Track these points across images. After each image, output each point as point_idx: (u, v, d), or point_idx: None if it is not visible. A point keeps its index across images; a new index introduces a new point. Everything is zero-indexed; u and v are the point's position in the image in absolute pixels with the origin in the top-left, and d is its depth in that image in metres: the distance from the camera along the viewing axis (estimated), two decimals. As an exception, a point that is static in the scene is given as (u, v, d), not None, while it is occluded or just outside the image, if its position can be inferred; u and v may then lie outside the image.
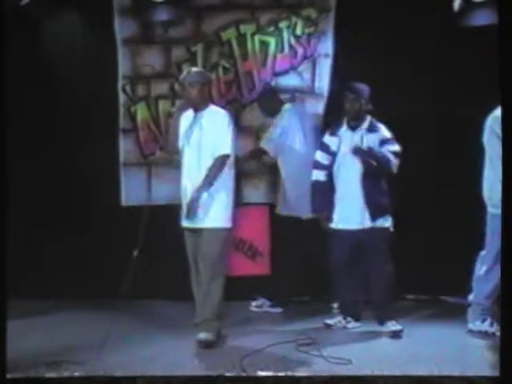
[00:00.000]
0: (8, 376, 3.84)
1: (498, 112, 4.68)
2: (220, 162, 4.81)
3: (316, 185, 5.28)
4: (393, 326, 5.08)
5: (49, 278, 5.99)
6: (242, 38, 6.26)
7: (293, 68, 6.23)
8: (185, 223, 4.92)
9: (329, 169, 5.23)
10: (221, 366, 4.35)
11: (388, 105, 5.79)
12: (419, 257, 5.88)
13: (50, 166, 6.13)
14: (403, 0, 5.85)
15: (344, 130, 5.22)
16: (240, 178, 6.11)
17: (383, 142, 5.12)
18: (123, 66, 6.31)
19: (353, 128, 5.19)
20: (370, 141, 5.11)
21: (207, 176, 4.78)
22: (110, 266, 5.86)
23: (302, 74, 6.22)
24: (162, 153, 6.12)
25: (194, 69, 5.15)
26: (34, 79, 6.08)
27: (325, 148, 5.27)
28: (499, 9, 4.17)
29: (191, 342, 4.87)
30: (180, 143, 4.95)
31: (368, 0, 5.86)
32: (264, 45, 6.25)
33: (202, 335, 4.81)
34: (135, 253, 5.52)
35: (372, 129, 5.17)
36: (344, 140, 5.19)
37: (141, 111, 6.38)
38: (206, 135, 4.86)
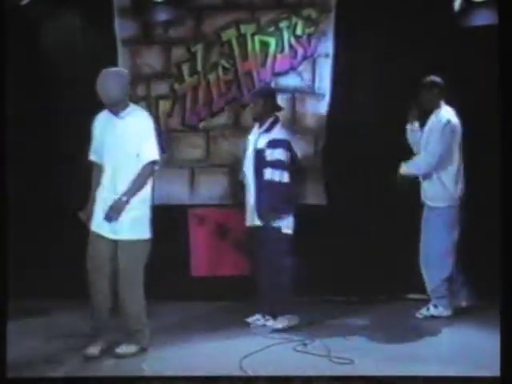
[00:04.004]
0: (8, 376, 3.84)
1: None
2: (149, 170, 4.54)
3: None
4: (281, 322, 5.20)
5: (48, 278, 5.98)
6: (242, 38, 6.26)
7: (293, 68, 6.23)
8: (101, 231, 4.54)
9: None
10: (221, 366, 4.36)
11: (388, 104, 5.81)
12: (419, 257, 5.86)
13: (49, 166, 6.13)
14: (403, 0, 5.85)
15: (254, 130, 5.36)
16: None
17: (270, 143, 5.19)
18: (123, 66, 6.28)
19: (258, 128, 5.32)
20: (261, 142, 5.21)
21: (134, 183, 4.47)
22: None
23: (302, 74, 6.21)
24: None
25: (110, 69, 4.65)
26: (33, 79, 6.08)
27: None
28: (499, 9, 4.18)
29: (192, 342, 4.88)
30: (98, 148, 4.61)
31: (368, 0, 5.86)
32: (264, 45, 6.25)
33: (90, 350, 4.48)
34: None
35: (268, 129, 5.25)
36: (250, 139, 5.36)
37: (140, 111, 6.35)
38: (129, 139, 4.52)
